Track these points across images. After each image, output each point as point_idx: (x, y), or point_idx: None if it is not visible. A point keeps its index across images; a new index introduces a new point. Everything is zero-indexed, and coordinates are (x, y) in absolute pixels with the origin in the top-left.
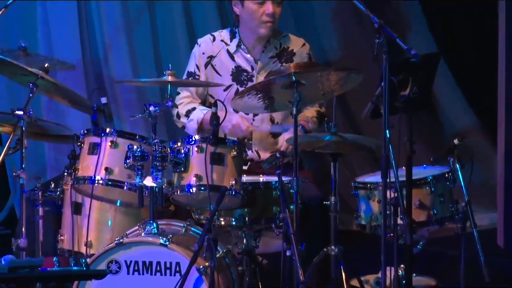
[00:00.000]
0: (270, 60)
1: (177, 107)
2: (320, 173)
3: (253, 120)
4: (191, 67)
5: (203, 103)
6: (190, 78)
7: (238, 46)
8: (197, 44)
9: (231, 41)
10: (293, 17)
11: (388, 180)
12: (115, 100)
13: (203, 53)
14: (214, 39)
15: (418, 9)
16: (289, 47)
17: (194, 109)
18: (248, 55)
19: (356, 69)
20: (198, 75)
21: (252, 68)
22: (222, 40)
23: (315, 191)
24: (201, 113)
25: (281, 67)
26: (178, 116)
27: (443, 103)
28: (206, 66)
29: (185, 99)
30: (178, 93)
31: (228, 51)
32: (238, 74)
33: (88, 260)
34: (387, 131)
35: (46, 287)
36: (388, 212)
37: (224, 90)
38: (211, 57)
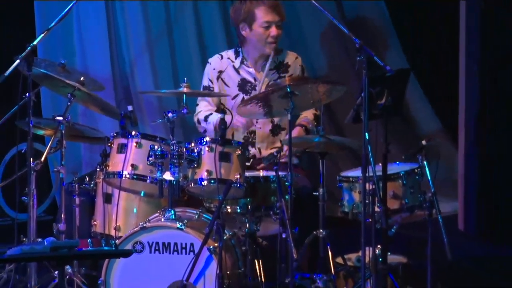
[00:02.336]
0: (269, 72)
1: (190, 113)
2: (311, 169)
3: (257, 122)
4: (205, 82)
5: (218, 109)
6: (206, 91)
7: (242, 62)
8: (209, 63)
9: (235, 58)
10: (287, 38)
11: (367, 174)
12: (139, 108)
13: (214, 69)
14: (222, 58)
15: (392, 31)
16: (284, 60)
17: (211, 114)
18: (251, 69)
19: (340, 82)
20: (213, 87)
21: (255, 79)
22: (228, 58)
23: (306, 182)
24: (217, 116)
25: (278, 80)
26: (199, 122)
27: (413, 110)
28: (217, 79)
29: (203, 108)
30: (197, 105)
31: (233, 67)
32: (244, 85)
33: (116, 241)
34: (366, 134)
35: (81, 264)
36: (367, 201)
37: (232, 99)
38: (220, 72)
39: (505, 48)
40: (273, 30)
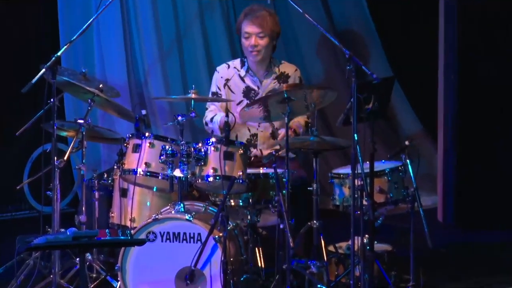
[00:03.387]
0: (272, 81)
1: (198, 116)
2: (305, 165)
3: (259, 126)
4: (213, 89)
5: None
6: (214, 97)
7: (247, 71)
8: (216, 71)
9: (241, 67)
10: (285, 50)
11: (356, 171)
12: (152, 112)
13: (221, 77)
14: (228, 67)
15: (378, 43)
16: (285, 72)
17: (215, 114)
18: (255, 78)
19: (332, 88)
20: (220, 94)
21: (258, 88)
22: (235, 67)
23: (302, 173)
24: (220, 116)
25: (276, 87)
26: (206, 123)
27: (397, 114)
28: (224, 86)
29: (211, 110)
30: (207, 109)
31: (239, 75)
32: (248, 92)
33: (132, 231)
34: (355, 135)
35: (100, 252)
36: (356, 195)
37: (237, 104)
38: (227, 80)
39: (481, 54)
40: (252, 40)
